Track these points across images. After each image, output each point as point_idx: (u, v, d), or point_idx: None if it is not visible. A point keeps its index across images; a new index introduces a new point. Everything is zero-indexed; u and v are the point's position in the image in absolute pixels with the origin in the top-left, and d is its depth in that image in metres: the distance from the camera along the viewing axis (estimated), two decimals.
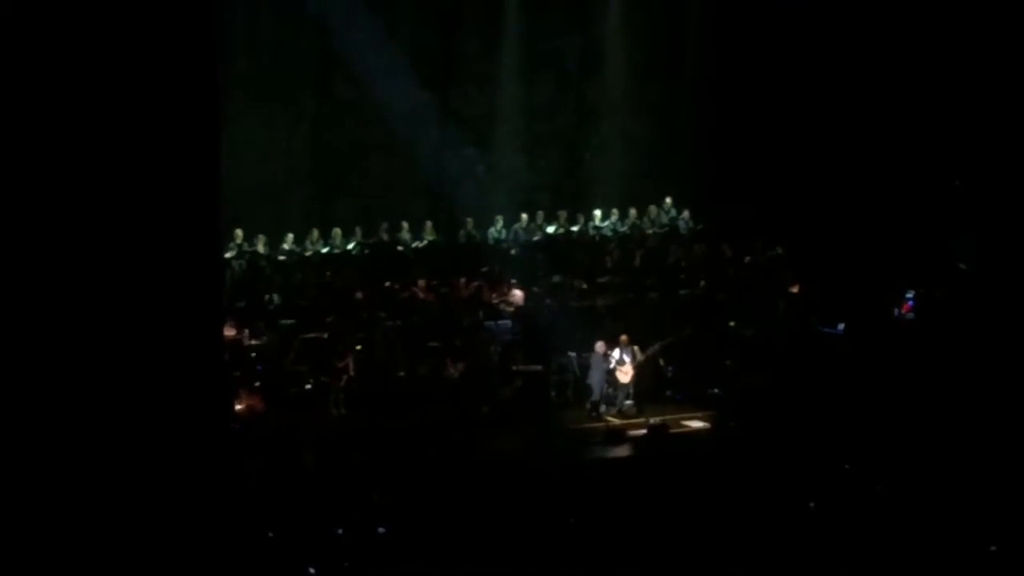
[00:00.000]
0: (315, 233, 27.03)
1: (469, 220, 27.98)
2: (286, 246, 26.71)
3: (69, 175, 11.77)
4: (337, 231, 27.16)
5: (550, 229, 28.42)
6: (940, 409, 19.48)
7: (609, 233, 28.72)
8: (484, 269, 26.22)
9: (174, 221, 12.12)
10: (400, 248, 27.40)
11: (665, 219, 29.24)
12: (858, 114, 27.31)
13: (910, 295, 24.84)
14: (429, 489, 16.87)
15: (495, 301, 24.72)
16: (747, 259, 27.00)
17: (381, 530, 15.29)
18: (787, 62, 27.91)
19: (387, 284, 25.26)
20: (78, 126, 11.76)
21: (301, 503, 16.13)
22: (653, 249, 27.92)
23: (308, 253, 26.82)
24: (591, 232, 28.72)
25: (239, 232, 26.07)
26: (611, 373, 22.72)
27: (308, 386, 22.48)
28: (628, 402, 22.76)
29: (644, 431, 20.96)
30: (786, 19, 27.82)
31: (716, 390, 23.22)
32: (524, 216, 28.28)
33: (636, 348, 22.90)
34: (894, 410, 19.85)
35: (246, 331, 22.92)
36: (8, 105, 11.58)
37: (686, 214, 29.21)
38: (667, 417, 21.82)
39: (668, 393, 23.41)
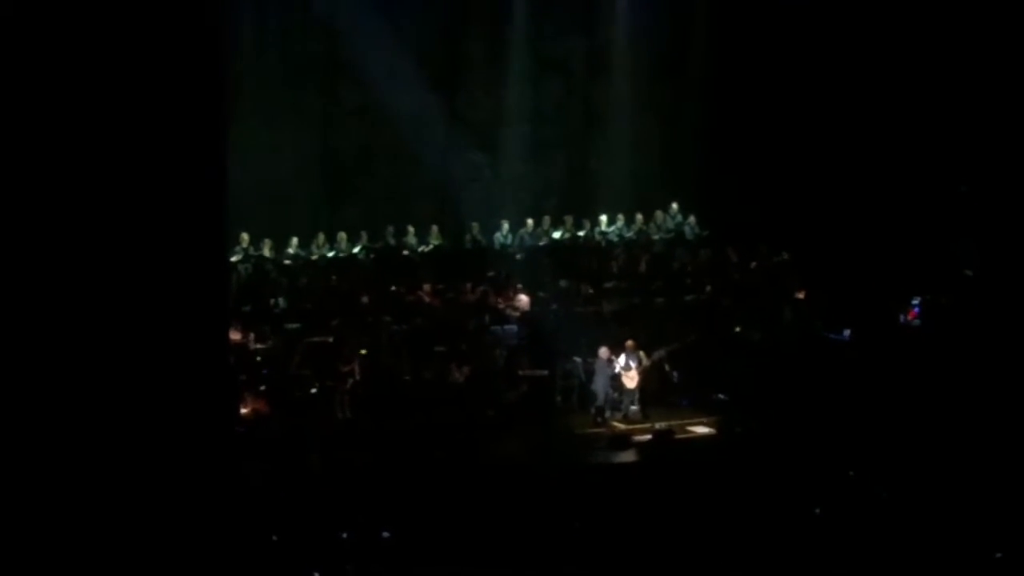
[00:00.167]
0: (321, 237, 27.05)
1: (475, 224, 27.98)
2: (292, 250, 26.73)
3: (74, 178, 11.77)
4: (343, 235, 27.17)
5: (556, 234, 28.43)
6: (946, 416, 19.46)
7: (615, 238, 28.72)
8: (490, 274, 26.22)
9: (180, 224, 12.11)
10: (406, 252, 27.41)
11: (671, 224, 29.24)
12: (864, 119, 27.28)
13: (916, 301, 24.81)
14: (434, 493, 16.86)
15: (501, 306, 24.72)
16: (753, 265, 26.99)
17: (386, 534, 15.28)
18: (793, 67, 27.89)
19: (393, 288, 25.26)
20: (84, 129, 11.76)
21: (306, 507, 16.13)
22: (659, 254, 27.92)
23: (314, 257, 26.84)
24: (597, 237, 28.72)
25: (245, 236, 26.08)
26: (616, 378, 22.70)
27: (313, 390, 22.45)
28: (634, 407, 22.73)
29: (649, 436, 20.96)
30: (793, 23, 27.81)
31: (722, 396, 23.19)
32: (530, 221, 28.29)
33: (642, 353, 22.88)
34: (900, 416, 19.83)
35: (251, 335, 22.91)
36: (13, 111, 11.58)
37: (692, 219, 29.20)
38: (672, 422, 21.81)
39: (674, 398, 23.37)
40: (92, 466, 11.82)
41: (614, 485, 17.71)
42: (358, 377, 22.45)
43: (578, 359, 23.23)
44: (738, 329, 24.75)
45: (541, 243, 28.19)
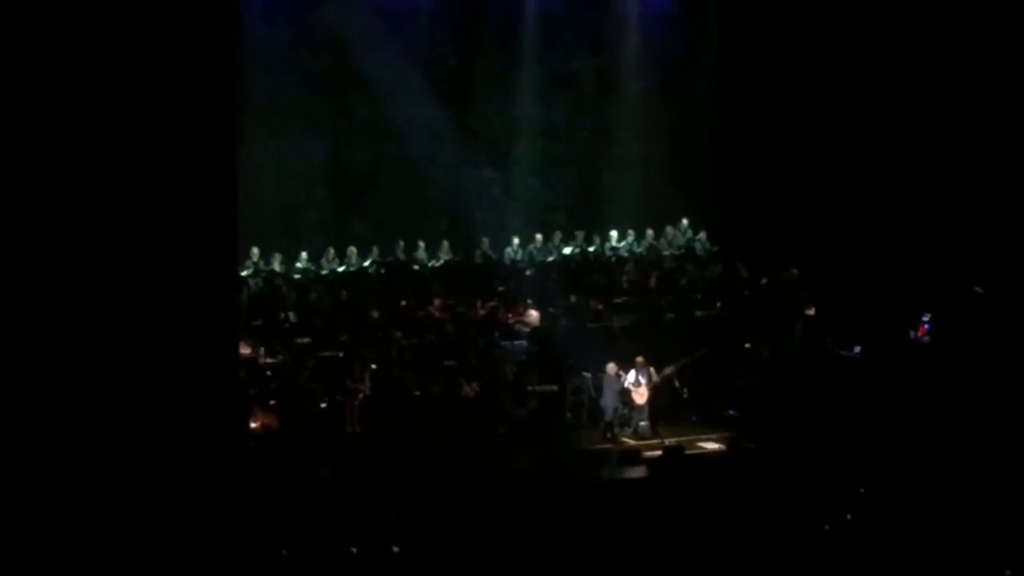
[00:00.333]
0: (331, 251, 27.08)
1: (485, 240, 28.02)
2: (302, 264, 26.76)
3: (86, 194, 11.82)
4: (353, 250, 27.20)
5: (567, 250, 28.46)
6: (956, 432, 19.42)
7: (625, 254, 28.75)
8: (500, 289, 26.23)
9: (191, 239, 12.15)
10: (416, 267, 27.45)
11: (682, 240, 29.27)
12: (873, 136, 27.28)
13: (926, 318, 24.78)
14: (443, 508, 16.84)
15: (511, 321, 24.71)
16: (763, 281, 26.98)
17: (395, 549, 15.27)
18: (802, 83, 27.90)
19: (403, 303, 25.27)
20: (96, 145, 11.81)
21: (315, 521, 16.11)
22: (669, 270, 27.92)
23: (324, 272, 26.86)
24: (607, 253, 28.73)
25: (255, 250, 26.13)
26: (626, 394, 22.67)
27: (323, 405, 22.45)
28: (643, 423, 22.70)
29: (659, 452, 20.92)
30: (802, 40, 27.82)
31: (732, 412, 23.16)
32: (540, 236, 28.33)
33: (652, 369, 22.85)
34: (910, 433, 19.79)
35: (262, 349, 22.91)
36: (31, 132, 11.63)
37: (702, 235, 29.24)
38: (683, 438, 21.77)
39: (684, 414, 23.34)
40: (102, 478, 11.84)
41: (624, 501, 17.66)
42: (368, 392, 22.44)
43: (588, 375, 23.20)
44: (748, 345, 24.74)
45: (551, 258, 28.24)
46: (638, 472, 20.27)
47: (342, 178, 28.35)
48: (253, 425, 20.08)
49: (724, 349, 24.28)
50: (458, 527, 15.99)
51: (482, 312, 25.07)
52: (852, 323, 24.76)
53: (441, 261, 27.74)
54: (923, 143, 26.89)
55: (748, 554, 15.04)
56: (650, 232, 29.13)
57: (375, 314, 24.58)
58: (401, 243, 27.61)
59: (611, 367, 22.68)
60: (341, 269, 27.01)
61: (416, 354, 23.70)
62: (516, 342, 24.13)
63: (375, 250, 27.33)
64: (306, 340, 23.70)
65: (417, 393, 22.89)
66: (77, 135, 11.66)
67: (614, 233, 28.96)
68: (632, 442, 22.24)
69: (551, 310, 25.18)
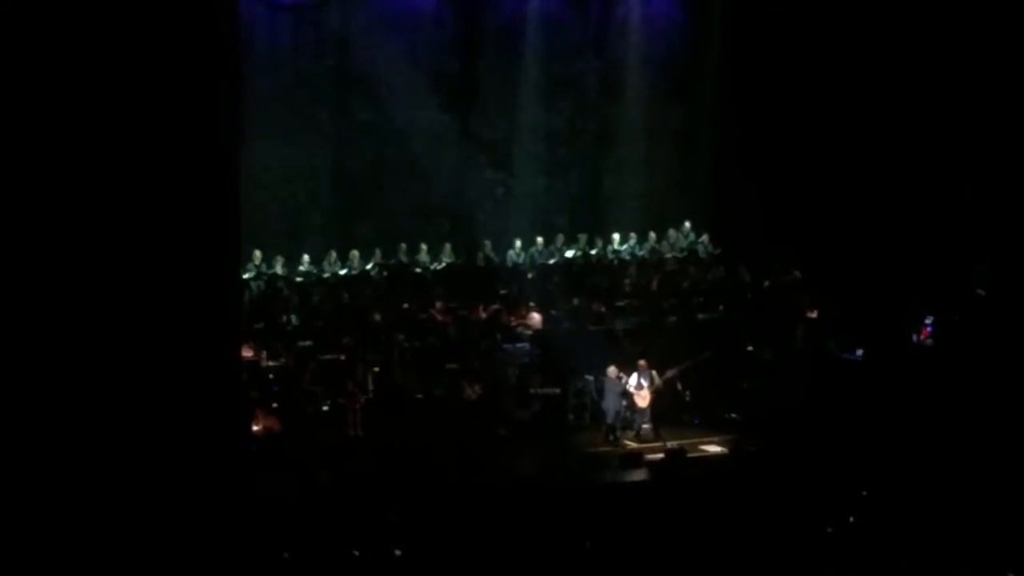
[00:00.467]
0: (333, 254, 27.08)
1: (488, 243, 28.01)
2: (304, 267, 26.76)
3: (88, 196, 11.82)
4: (355, 252, 27.19)
5: (569, 252, 28.46)
6: (959, 435, 19.41)
7: (628, 256, 28.75)
8: (502, 292, 26.22)
9: (193, 241, 12.16)
10: (418, 270, 27.45)
11: (684, 243, 29.28)
12: (876, 139, 27.27)
13: (929, 321, 24.77)
14: (446, 511, 16.84)
15: (513, 324, 24.70)
16: (765, 283, 26.98)
17: (397, 552, 15.27)
18: (805, 86, 27.89)
19: (405, 306, 25.27)
20: (98, 146, 11.81)
21: (317, 524, 16.12)
22: (671, 273, 27.92)
23: (326, 274, 26.86)
24: (610, 255, 28.74)
25: (257, 253, 26.13)
26: (628, 397, 22.68)
27: (325, 407, 22.47)
28: (646, 426, 22.70)
29: (661, 455, 20.92)
30: (805, 43, 27.81)
31: (734, 415, 23.17)
32: (542, 239, 28.34)
33: (654, 372, 22.86)
34: (912, 436, 19.78)
35: (264, 352, 22.93)
36: (35, 136, 11.64)
37: (705, 238, 29.25)
38: (685, 441, 21.78)
39: (686, 417, 23.34)
40: (104, 481, 11.84)
41: (626, 504, 17.66)
42: (370, 394, 22.45)
43: (590, 377, 23.21)
44: (750, 348, 24.74)
45: (553, 261, 28.22)
46: (640, 475, 20.26)
47: (345, 181, 28.34)
48: (255, 428, 20.09)
49: (726, 352, 24.29)
50: (460, 530, 15.99)
51: (484, 315, 25.06)
52: (854, 326, 24.76)
53: (443, 264, 27.74)
54: (924, 146, 26.88)
55: (750, 557, 15.03)
56: (652, 235, 29.13)
57: (377, 317, 24.59)
58: (403, 246, 27.60)
59: (613, 370, 22.68)
60: (343, 272, 27.00)
61: (418, 357, 23.71)
62: (518, 345, 24.12)
63: (377, 253, 27.32)
64: (308, 343, 23.71)
65: (419, 396, 22.91)
66: (77, 137, 11.66)
67: (616, 236, 28.95)
68: (634, 445, 22.26)
69: (553, 313, 25.17)
